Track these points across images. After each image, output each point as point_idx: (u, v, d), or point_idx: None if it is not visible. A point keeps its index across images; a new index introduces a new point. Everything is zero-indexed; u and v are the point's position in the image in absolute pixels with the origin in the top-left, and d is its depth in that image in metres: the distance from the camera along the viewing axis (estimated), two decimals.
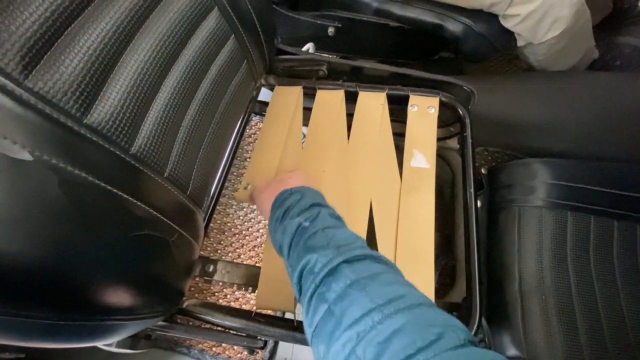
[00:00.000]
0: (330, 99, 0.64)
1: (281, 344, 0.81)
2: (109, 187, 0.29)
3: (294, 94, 0.65)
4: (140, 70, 0.34)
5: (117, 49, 0.32)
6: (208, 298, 0.84)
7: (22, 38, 0.25)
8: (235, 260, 0.87)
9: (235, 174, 0.97)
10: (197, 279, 0.64)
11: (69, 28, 0.28)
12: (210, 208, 0.64)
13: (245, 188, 0.56)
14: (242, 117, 0.71)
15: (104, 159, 0.30)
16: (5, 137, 0.22)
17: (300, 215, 0.37)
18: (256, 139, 1.00)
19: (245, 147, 1.00)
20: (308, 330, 0.30)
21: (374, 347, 0.24)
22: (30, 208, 0.24)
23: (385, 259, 0.33)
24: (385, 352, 0.23)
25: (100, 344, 0.39)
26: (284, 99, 0.65)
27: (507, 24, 0.75)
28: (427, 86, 0.63)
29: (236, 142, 0.70)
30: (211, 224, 0.82)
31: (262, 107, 0.76)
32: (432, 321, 0.25)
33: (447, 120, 0.67)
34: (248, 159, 0.99)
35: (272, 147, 0.60)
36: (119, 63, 0.32)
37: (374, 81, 0.65)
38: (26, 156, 0.23)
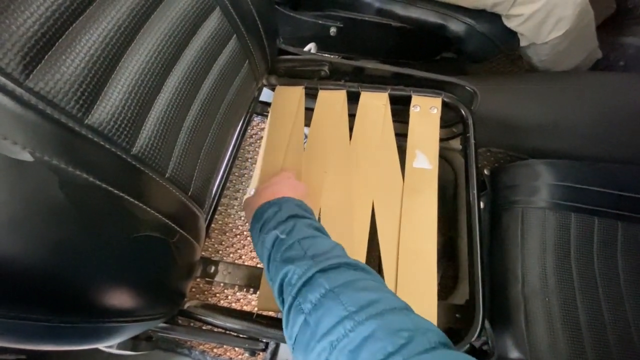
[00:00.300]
0: (332, 99, 0.64)
1: (282, 346, 0.81)
2: (109, 188, 0.28)
3: (296, 94, 0.65)
4: (141, 71, 0.34)
5: (119, 49, 0.32)
6: (209, 299, 0.84)
7: (23, 38, 0.24)
8: (236, 261, 0.86)
9: (236, 174, 0.97)
10: (198, 279, 0.64)
11: (70, 28, 0.28)
12: (212, 209, 0.63)
13: (252, 193, 0.56)
14: (243, 118, 0.70)
15: (105, 159, 0.29)
16: (5, 138, 0.22)
17: (277, 228, 0.37)
18: (257, 140, 1.00)
19: (246, 147, 1.00)
20: (289, 342, 0.30)
21: (345, 356, 0.24)
22: (31, 209, 0.23)
23: (363, 265, 0.33)
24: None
25: (101, 345, 0.38)
26: (286, 100, 0.65)
27: (510, 24, 0.75)
28: (429, 86, 0.63)
29: (238, 142, 0.70)
30: (212, 225, 0.82)
31: (263, 108, 0.76)
32: (402, 325, 0.25)
33: (450, 120, 0.66)
34: (250, 160, 0.99)
35: (276, 150, 0.60)
36: (120, 63, 0.32)
37: (376, 81, 0.65)
38: (27, 157, 0.23)
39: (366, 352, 0.24)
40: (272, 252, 0.37)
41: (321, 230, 0.39)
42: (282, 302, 0.33)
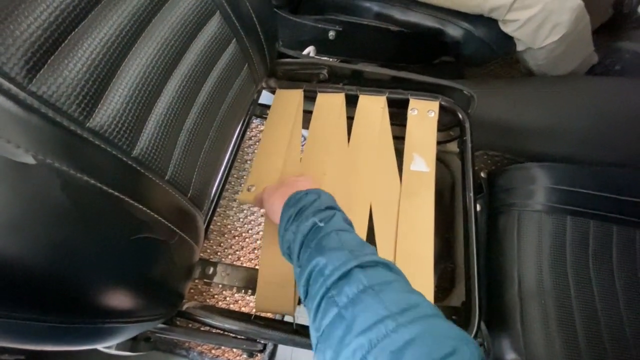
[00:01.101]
0: (331, 102, 0.64)
1: (280, 347, 0.81)
2: (110, 190, 0.29)
3: (295, 97, 0.65)
4: (142, 74, 0.34)
5: (120, 53, 0.32)
6: (207, 300, 0.84)
7: (27, 43, 0.25)
8: (235, 263, 0.87)
9: (235, 176, 0.97)
10: (196, 281, 0.64)
11: (73, 33, 0.29)
12: (211, 210, 0.64)
13: (249, 190, 0.56)
14: (242, 120, 0.71)
15: (105, 162, 0.30)
16: (9, 141, 0.22)
17: (316, 216, 0.36)
18: (257, 142, 1.01)
19: (245, 149, 1.00)
20: (314, 334, 0.29)
21: (386, 356, 0.23)
22: (33, 211, 0.24)
23: (396, 267, 0.32)
24: None
25: (100, 346, 0.39)
26: (285, 102, 0.65)
27: (507, 29, 0.76)
28: (427, 90, 0.64)
29: (237, 144, 0.70)
30: (211, 226, 0.82)
31: (262, 110, 0.77)
32: (447, 333, 0.25)
33: (447, 124, 0.67)
34: (248, 161, 0.99)
35: (274, 150, 0.60)
36: (121, 67, 0.33)
37: (375, 85, 0.66)
38: (29, 160, 0.23)
39: (410, 355, 0.23)
40: (307, 238, 0.36)
41: (352, 226, 0.39)
42: (307, 292, 0.32)
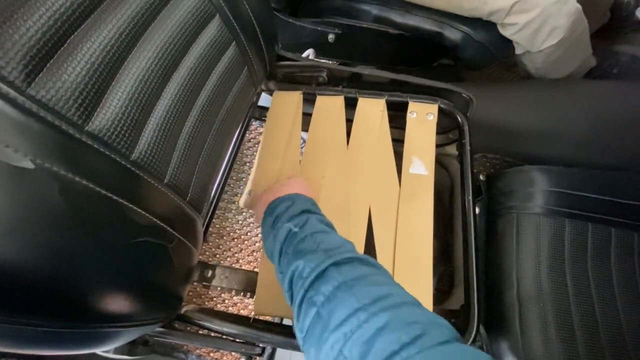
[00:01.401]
0: (330, 105, 0.64)
1: (279, 351, 0.80)
2: (109, 194, 0.29)
3: (294, 99, 0.65)
4: (141, 78, 0.34)
5: (119, 57, 0.32)
6: (206, 303, 0.83)
7: (25, 46, 0.25)
8: (233, 265, 0.86)
9: (234, 178, 0.97)
10: (195, 284, 0.64)
11: (72, 36, 0.28)
12: (210, 213, 0.64)
13: (249, 194, 0.56)
14: (242, 123, 0.71)
15: (104, 166, 0.30)
16: (7, 146, 0.22)
17: (290, 221, 0.38)
18: (256, 144, 1.01)
19: (244, 151, 1.00)
20: (299, 336, 0.30)
21: (359, 347, 0.24)
22: (31, 215, 0.24)
23: (373, 260, 0.33)
24: (371, 350, 0.23)
25: (98, 350, 0.38)
26: (284, 104, 0.66)
27: (506, 32, 0.76)
28: (426, 93, 0.64)
29: (236, 147, 0.70)
30: (210, 229, 0.82)
31: (262, 113, 0.77)
32: (416, 318, 0.25)
33: (446, 127, 0.67)
34: (247, 164, 0.99)
35: (274, 153, 0.60)
36: (120, 70, 0.33)
37: (374, 87, 0.66)
38: (28, 164, 0.23)
39: (380, 342, 0.23)
40: (284, 245, 0.37)
41: (331, 227, 0.40)
42: (291, 296, 0.33)
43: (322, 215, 0.41)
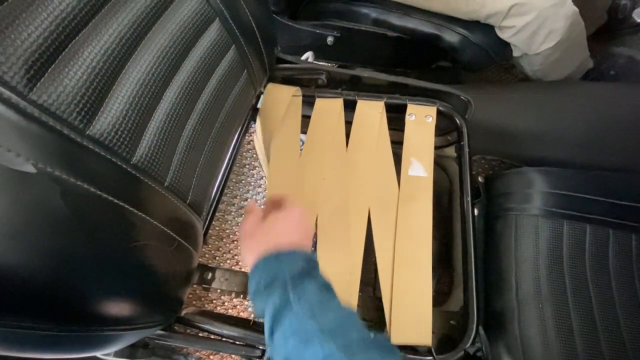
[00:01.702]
0: (329, 107, 0.65)
1: None
2: (110, 198, 0.29)
3: (289, 94, 0.64)
4: (142, 82, 0.35)
5: (120, 61, 0.33)
6: (206, 305, 0.83)
7: (27, 52, 0.25)
8: (233, 268, 0.86)
9: (234, 180, 0.97)
10: (195, 286, 0.64)
11: (73, 41, 0.29)
12: (209, 215, 0.64)
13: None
14: (241, 125, 0.71)
15: (105, 169, 0.30)
16: (9, 150, 0.23)
17: (287, 289, 0.33)
18: (255, 146, 1.01)
19: (244, 153, 1.00)
20: None
21: None
22: (33, 219, 0.24)
23: (389, 343, 0.31)
24: None
25: (99, 353, 0.38)
26: (276, 100, 0.64)
27: (503, 35, 0.76)
28: (424, 95, 0.64)
29: (236, 149, 0.70)
30: (210, 231, 0.82)
31: None
32: None
33: (445, 129, 0.67)
34: (247, 165, 0.99)
35: (275, 156, 0.60)
36: (121, 74, 0.33)
37: (373, 90, 0.66)
38: (30, 168, 0.23)
39: None
40: (280, 315, 0.32)
41: (331, 289, 0.35)
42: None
43: (319, 276, 0.36)
